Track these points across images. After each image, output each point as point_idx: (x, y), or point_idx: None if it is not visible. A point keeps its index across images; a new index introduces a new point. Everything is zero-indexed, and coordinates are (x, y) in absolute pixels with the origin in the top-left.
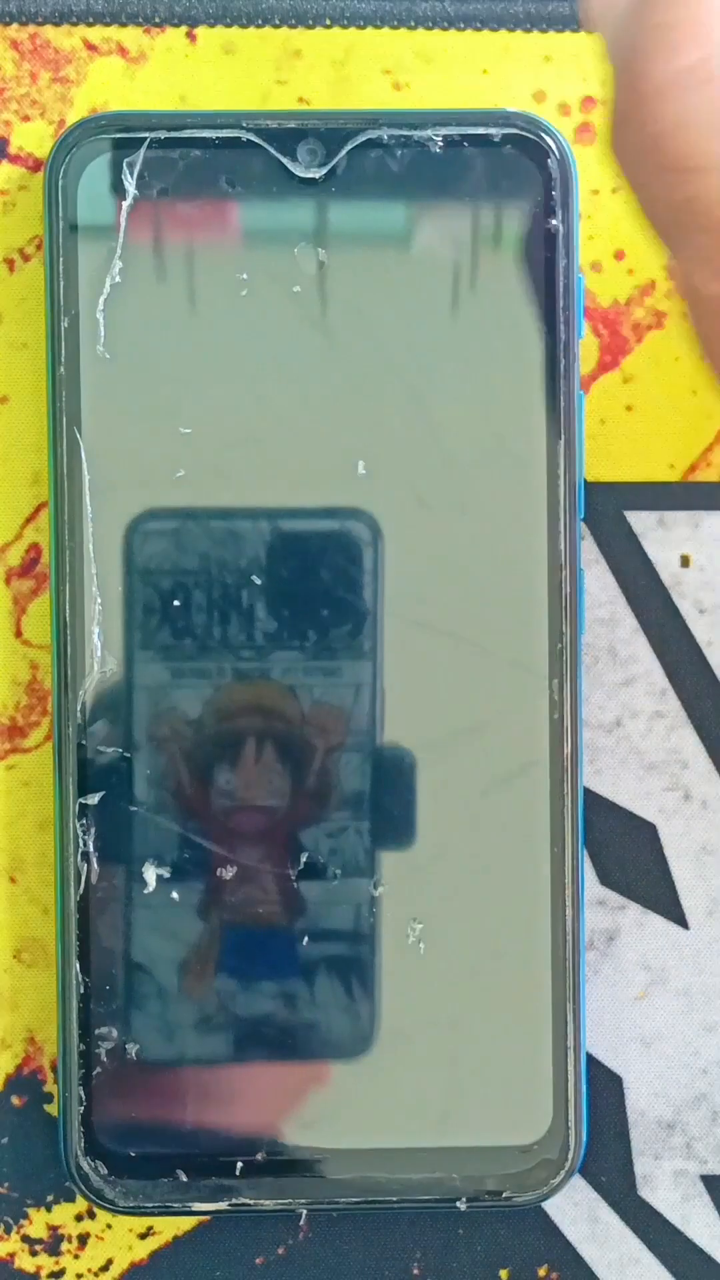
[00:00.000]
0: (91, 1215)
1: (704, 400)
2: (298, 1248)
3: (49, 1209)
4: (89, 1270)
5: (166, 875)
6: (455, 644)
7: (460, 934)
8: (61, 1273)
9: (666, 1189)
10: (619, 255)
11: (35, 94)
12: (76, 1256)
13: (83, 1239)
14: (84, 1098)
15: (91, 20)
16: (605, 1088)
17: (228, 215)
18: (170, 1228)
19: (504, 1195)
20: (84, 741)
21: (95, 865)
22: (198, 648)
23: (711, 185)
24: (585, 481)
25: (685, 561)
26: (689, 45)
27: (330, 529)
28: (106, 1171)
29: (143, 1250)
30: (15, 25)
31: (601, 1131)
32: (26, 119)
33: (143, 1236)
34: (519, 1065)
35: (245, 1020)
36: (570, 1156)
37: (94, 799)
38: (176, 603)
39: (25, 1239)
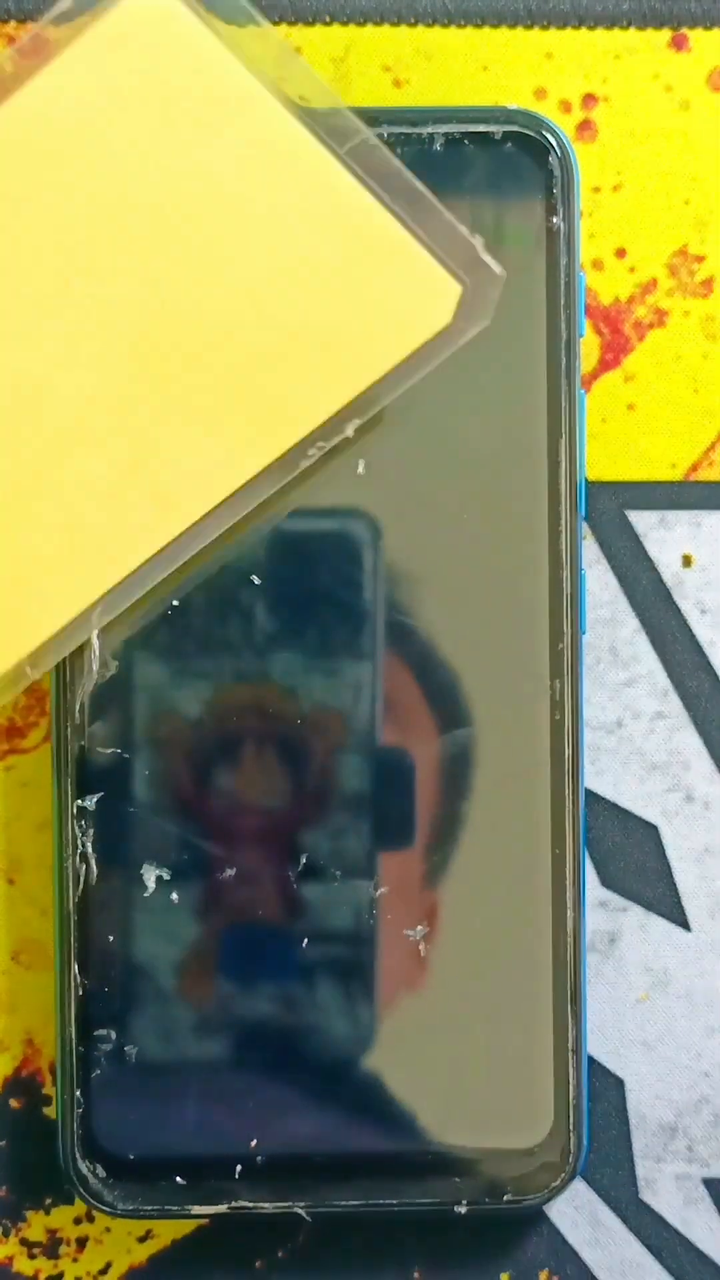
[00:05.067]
0: (90, 1218)
1: (705, 399)
2: (297, 1251)
3: (47, 1212)
4: (87, 1273)
5: (165, 877)
6: (455, 644)
7: (461, 935)
8: (60, 1276)
9: (668, 1192)
10: (620, 253)
11: None
12: (75, 1260)
13: (81, 1242)
14: (82, 1100)
15: None
16: (607, 1090)
17: None
18: (169, 1231)
19: (505, 1198)
20: (82, 742)
21: (93, 866)
22: (197, 648)
23: None
24: (586, 480)
25: (687, 561)
26: None
27: (330, 529)
28: (105, 1174)
29: (141, 1253)
30: (13, 23)
31: (603, 1134)
32: None
33: (141, 1240)
34: (520, 1068)
35: (244, 1022)
36: (571, 1159)
37: (92, 800)
38: (175, 602)
39: (23, 1242)
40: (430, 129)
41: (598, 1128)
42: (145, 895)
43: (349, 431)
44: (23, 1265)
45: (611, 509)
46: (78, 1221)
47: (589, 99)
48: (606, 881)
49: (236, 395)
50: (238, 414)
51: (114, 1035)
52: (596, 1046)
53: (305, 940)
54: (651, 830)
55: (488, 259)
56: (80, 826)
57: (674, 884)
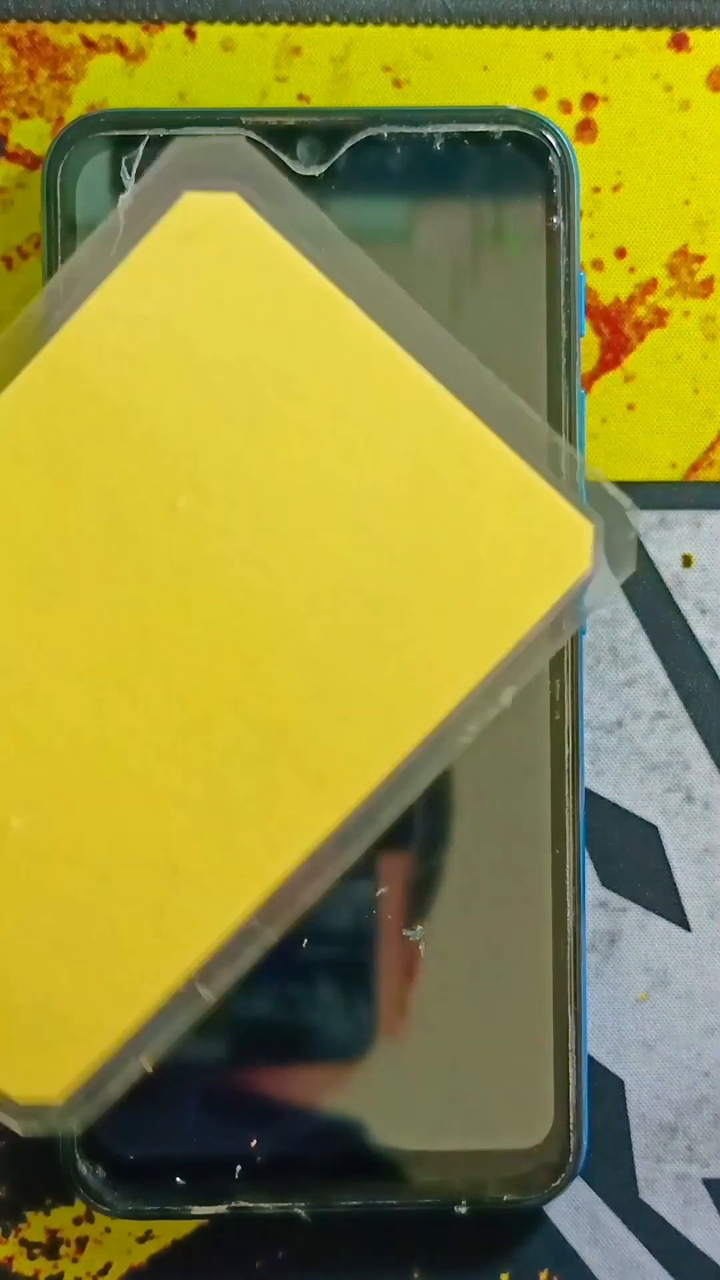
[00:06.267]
0: (90, 1219)
1: (706, 399)
2: (297, 1251)
3: (47, 1212)
4: (87, 1274)
5: None
6: None
7: (461, 936)
8: (60, 1276)
9: (668, 1192)
10: (620, 253)
11: (33, 91)
12: (75, 1260)
13: (81, 1242)
14: None
15: (90, 17)
16: (607, 1090)
17: None
18: (169, 1231)
19: (505, 1198)
20: None
21: None
22: None
23: None
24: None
25: (687, 561)
26: None
27: None
28: (105, 1174)
29: (141, 1254)
30: (13, 22)
31: (603, 1134)
32: (25, 116)
33: (141, 1240)
34: (520, 1068)
35: (245, 1022)
36: (571, 1159)
37: None
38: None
39: (23, 1242)
40: (430, 129)
41: (597, 1128)
42: None
43: (506, 700)
44: (22, 1265)
45: None
46: (77, 1222)
47: (589, 99)
48: (606, 881)
49: (353, 689)
50: (361, 710)
51: None
52: (596, 1046)
53: (305, 940)
54: (651, 830)
55: (613, 492)
56: None
57: (674, 884)
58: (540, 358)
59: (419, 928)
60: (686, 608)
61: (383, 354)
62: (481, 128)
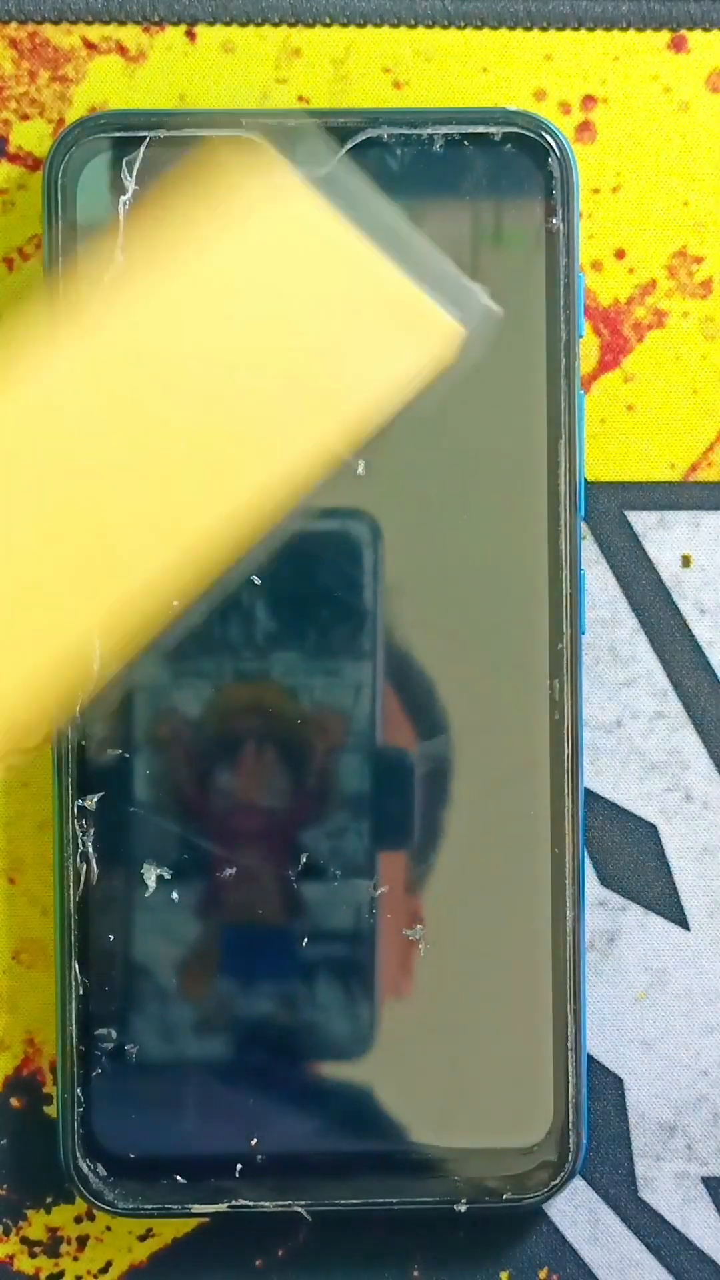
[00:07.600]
0: (90, 1217)
1: (705, 399)
2: (297, 1250)
3: (48, 1211)
4: (88, 1272)
5: (166, 876)
6: (455, 644)
7: (460, 935)
8: (61, 1274)
9: (667, 1191)
10: (619, 254)
11: (34, 93)
12: (75, 1258)
13: (82, 1241)
14: (83, 1099)
15: (91, 19)
16: (606, 1089)
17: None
18: (170, 1230)
19: (504, 1197)
20: (83, 742)
21: (94, 866)
22: (197, 648)
23: None
24: (586, 481)
25: (686, 561)
26: None
27: (330, 529)
28: (105, 1173)
29: (142, 1252)
30: (14, 24)
31: (602, 1133)
32: (25, 118)
33: (142, 1238)
34: (519, 1066)
35: (244, 1021)
36: (571, 1158)
37: (93, 800)
38: (175, 602)
39: (24, 1240)
40: (430, 130)
41: (597, 1126)
42: (146, 894)
43: (360, 469)
44: (23, 1264)
45: (611, 509)
46: (78, 1220)
47: (588, 100)
48: (606, 881)
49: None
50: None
51: (114, 1034)
52: (595, 1045)
53: (305, 940)
54: (650, 830)
55: (488, 303)
56: (81, 826)
57: (673, 883)
58: (540, 358)
59: (418, 927)
60: (685, 608)
61: (324, 222)
62: (481, 129)
